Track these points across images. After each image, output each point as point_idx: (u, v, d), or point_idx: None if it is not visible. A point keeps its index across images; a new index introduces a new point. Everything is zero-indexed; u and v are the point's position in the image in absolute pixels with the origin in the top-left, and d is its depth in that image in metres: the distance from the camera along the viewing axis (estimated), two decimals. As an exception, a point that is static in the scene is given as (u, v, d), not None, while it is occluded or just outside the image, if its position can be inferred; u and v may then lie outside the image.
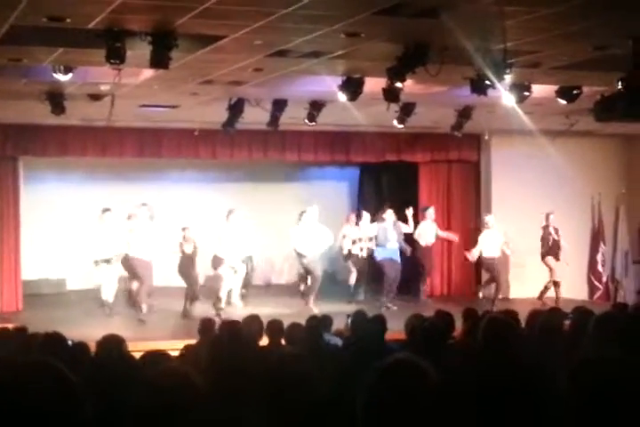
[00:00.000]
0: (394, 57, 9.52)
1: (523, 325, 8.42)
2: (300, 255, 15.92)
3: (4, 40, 8.97)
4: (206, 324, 9.40)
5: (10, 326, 10.53)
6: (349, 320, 9.45)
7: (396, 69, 9.77)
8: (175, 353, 7.70)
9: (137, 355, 6.80)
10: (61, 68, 10.29)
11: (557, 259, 16.82)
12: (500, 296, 16.74)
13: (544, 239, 16.91)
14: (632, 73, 9.08)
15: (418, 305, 16.09)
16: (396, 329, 9.03)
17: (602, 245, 19.21)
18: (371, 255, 16.89)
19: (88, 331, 11.07)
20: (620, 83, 9.25)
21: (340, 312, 11.56)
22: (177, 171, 19.30)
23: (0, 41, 9.01)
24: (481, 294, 16.72)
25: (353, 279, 17.21)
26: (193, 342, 8.89)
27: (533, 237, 16.93)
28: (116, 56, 8.66)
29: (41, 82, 11.44)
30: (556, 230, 16.92)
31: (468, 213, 18.85)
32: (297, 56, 10.08)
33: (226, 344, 6.74)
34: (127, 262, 15.09)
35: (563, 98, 12.25)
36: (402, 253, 16.72)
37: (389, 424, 2.73)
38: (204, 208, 17.69)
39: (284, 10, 7.87)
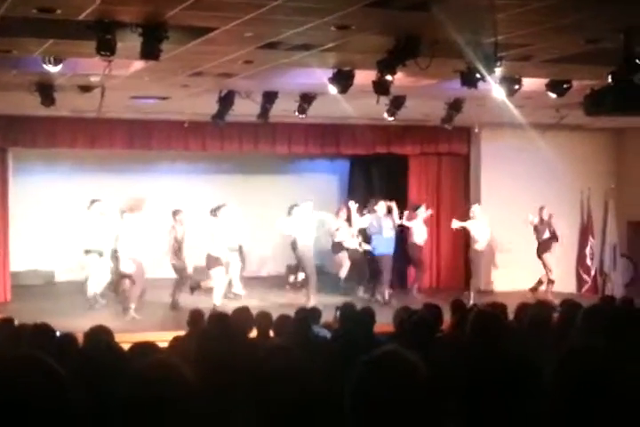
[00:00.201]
0: (384, 50, 9.51)
1: (511, 317, 8.45)
2: (293, 245, 15.90)
3: (-6, 31, 8.96)
4: (195, 315, 9.40)
5: (-2, 317, 10.52)
6: (338, 313, 9.46)
7: (387, 62, 9.77)
8: (164, 345, 7.70)
9: (125, 346, 6.80)
10: (51, 59, 10.26)
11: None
12: (483, 289, 16.85)
13: (540, 233, 16.81)
14: (622, 67, 9.10)
15: (408, 298, 16.10)
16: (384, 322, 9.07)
17: (590, 238, 19.28)
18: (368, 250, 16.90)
19: (76, 322, 11.06)
20: (610, 76, 9.26)
21: (329, 305, 11.57)
22: (167, 163, 19.29)
23: (-11, 32, 8.99)
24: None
25: (344, 273, 17.22)
26: (182, 333, 8.89)
27: (522, 231, 16.95)
28: (106, 48, 8.63)
29: (31, 73, 11.40)
30: (549, 223, 16.85)
31: (457, 206, 18.86)
32: (287, 48, 10.07)
33: (214, 336, 6.74)
34: (118, 262, 15.05)
35: (553, 91, 12.27)
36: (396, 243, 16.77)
37: (377, 416, 2.74)
38: (194, 200, 17.67)
39: (275, 2, 7.85)
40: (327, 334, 8.82)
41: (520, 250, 17.35)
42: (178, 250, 15.48)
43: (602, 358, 3.01)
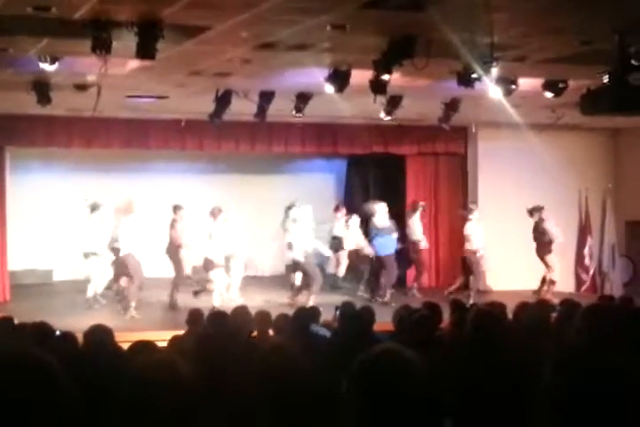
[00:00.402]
0: (380, 50, 9.52)
1: (510, 317, 8.45)
2: (289, 246, 15.89)
3: (-10, 30, 8.95)
4: (194, 315, 9.40)
5: (-4, 316, 10.51)
6: (337, 312, 9.46)
7: (383, 62, 9.78)
8: (163, 344, 7.71)
9: (125, 346, 6.80)
10: (47, 58, 10.25)
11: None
12: (481, 288, 16.86)
13: (542, 234, 16.67)
14: (618, 67, 9.11)
15: (407, 297, 16.10)
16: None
17: (589, 238, 19.29)
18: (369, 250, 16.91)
19: (75, 321, 11.06)
20: (606, 77, 9.27)
21: (328, 304, 11.57)
22: (164, 162, 19.27)
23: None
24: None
25: (342, 271, 17.25)
26: (181, 332, 8.89)
27: (519, 231, 16.93)
28: (102, 46, 8.63)
29: (27, 72, 11.39)
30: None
31: (454, 206, 18.85)
32: (284, 48, 10.07)
33: (213, 335, 6.74)
34: (116, 260, 15.06)
35: (549, 91, 12.28)
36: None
37: (375, 414, 2.74)
38: (191, 199, 17.64)
39: (271, 2, 7.86)
40: (327, 333, 8.81)
41: (517, 250, 17.34)
42: (178, 245, 15.51)
43: (601, 358, 3.01)
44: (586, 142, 19.08)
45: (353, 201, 19.73)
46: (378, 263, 16.67)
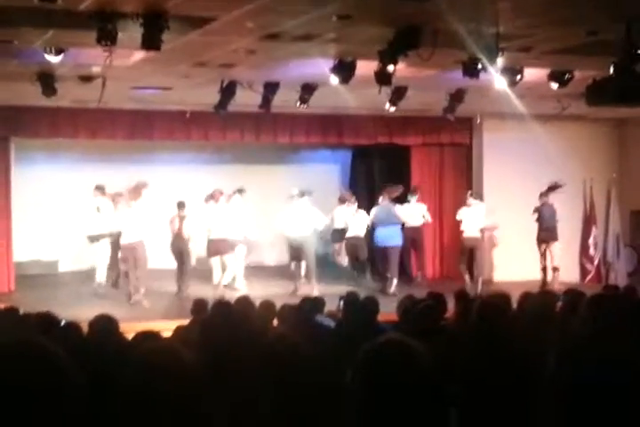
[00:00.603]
0: (386, 40, 9.50)
1: (514, 307, 8.45)
2: (288, 238, 15.96)
3: (-4, 21, 8.95)
4: (199, 304, 9.42)
5: (1, 306, 10.53)
6: (341, 302, 9.48)
7: (388, 52, 9.76)
8: (168, 334, 7.73)
9: (129, 336, 6.82)
10: (52, 49, 10.25)
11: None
12: (484, 278, 16.89)
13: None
14: (624, 57, 9.09)
15: (412, 287, 16.10)
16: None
17: (594, 228, 19.28)
18: (371, 239, 16.92)
19: (80, 312, 11.08)
20: (612, 67, 9.25)
21: (333, 294, 11.59)
22: (169, 153, 19.26)
23: (-9, 22, 8.98)
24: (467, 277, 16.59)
25: (345, 261, 17.29)
26: (185, 322, 8.91)
27: (523, 221, 16.94)
28: (107, 38, 8.63)
29: (32, 63, 11.40)
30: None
31: (459, 197, 18.84)
32: (289, 39, 10.06)
33: (218, 325, 6.76)
34: (120, 248, 15.10)
35: (555, 82, 12.26)
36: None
37: (379, 404, 2.75)
38: (196, 190, 17.64)
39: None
40: (331, 323, 8.83)
41: (521, 240, 17.33)
42: (183, 240, 15.57)
43: (605, 347, 3.02)
44: (591, 133, 19.06)
45: (358, 191, 19.74)
46: (378, 254, 16.68)
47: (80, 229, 16.11)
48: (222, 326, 5.36)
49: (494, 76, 10.68)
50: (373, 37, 9.60)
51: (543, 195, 16.64)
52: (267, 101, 13.88)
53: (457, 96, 14.42)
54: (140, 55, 10.71)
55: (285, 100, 13.76)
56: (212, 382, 3.19)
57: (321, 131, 18.17)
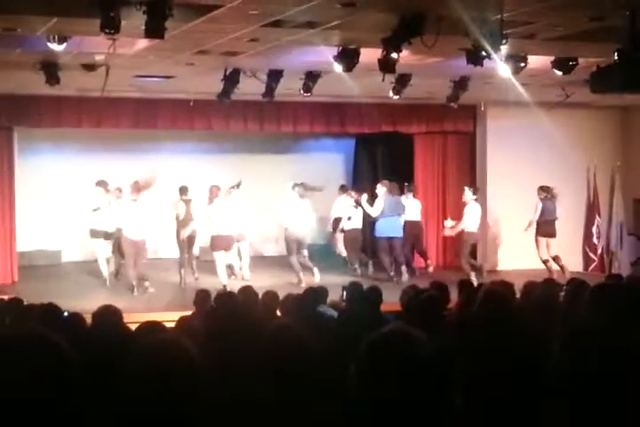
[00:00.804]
0: (389, 27, 9.47)
1: (518, 296, 8.44)
2: (292, 233, 15.96)
3: (-2, 9, 8.92)
4: (202, 295, 9.42)
5: (5, 297, 10.55)
6: (344, 292, 9.47)
7: (392, 40, 9.73)
8: (171, 325, 7.72)
9: (133, 326, 6.81)
10: (56, 37, 10.22)
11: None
12: (487, 268, 16.87)
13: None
14: (628, 44, 9.04)
15: (415, 277, 16.09)
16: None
17: (597, 217, 19.23)
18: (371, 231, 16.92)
19: (83, 303, 11.10)
20: (616, 54, 9.21)
21: (336, 284, 11.58)
22: (172, 142, 19.26)
23: (-6, 10, 8.95)
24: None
25: (344, 251, 17.29)
26: (188, 313, 8.91)
27: (527, 209, 16.88)
28: (110, 26, 8.59)
29: (35, 52, 11.37)
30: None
31: (463, 185, 18.80)
32: (292, 26, 10.03)
33: (221, 315, 6.75)
34: (121, 242, 15.08)
35: (559, 69, 12.21)
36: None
37: (382, 394, 2.74)
38: (200, 179, 17.64)
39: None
40: (334, 313, 8.83)
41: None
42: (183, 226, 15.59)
43: (609, 337, 3.01)
44: (595, 120, 19.01)
45: (361, 180, 19.74)
46: (383, 245, 16.65)
47: (83, 219, 16.11)
48: (226, 317, 5.34)
49: (498, 64, 10.64)
50: (377, 25, 9.56)
51: (545, 190, 16.49)
52: (270, 90, 13.86)
53: (461, 84, 14.38)
54: (143, 43, 10.68)
55: (289, 89, 13.74)
56: (214, 373, 3.18)
57: (324, 119, 18.14)
